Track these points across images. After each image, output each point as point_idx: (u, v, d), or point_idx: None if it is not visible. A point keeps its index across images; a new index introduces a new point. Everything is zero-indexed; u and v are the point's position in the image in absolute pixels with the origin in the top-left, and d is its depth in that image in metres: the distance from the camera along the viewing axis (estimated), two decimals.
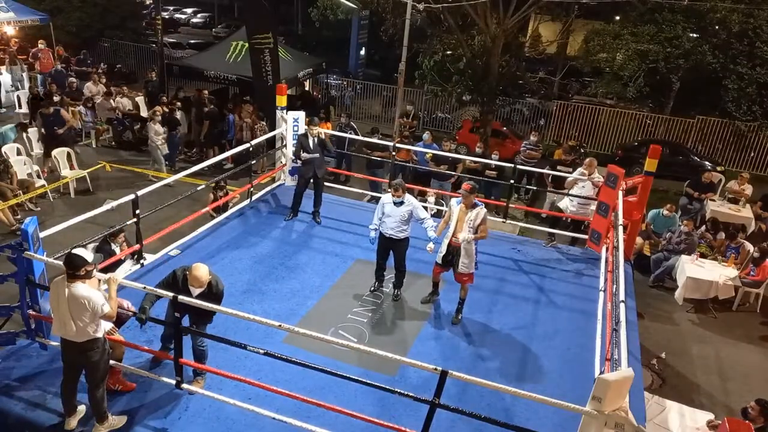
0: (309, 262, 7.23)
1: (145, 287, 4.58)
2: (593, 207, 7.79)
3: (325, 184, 10.08)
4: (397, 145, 9.69)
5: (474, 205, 6.00)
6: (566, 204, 8.26)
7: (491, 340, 6.07)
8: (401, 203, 6.30)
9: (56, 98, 13.37)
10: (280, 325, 4.28)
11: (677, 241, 10.13)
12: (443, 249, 6.21)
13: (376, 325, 6.19)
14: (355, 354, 5.33)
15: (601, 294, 6.67)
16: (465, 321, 6.33)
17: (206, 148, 13.55)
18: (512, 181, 8.63)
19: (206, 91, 14.50)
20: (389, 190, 6.41)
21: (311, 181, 8.10)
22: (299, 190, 8.15)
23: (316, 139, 7.87)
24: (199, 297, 4.64)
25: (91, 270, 4.31)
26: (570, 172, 9.14)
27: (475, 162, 11.09)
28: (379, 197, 10.65)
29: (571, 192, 8.20)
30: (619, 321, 4.79)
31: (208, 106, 13.60)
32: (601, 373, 4.95)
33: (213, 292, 4.74)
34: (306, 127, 7.94)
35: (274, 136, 9.24)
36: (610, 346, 4.87)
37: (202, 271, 4.67)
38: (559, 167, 10.61)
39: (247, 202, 8.53)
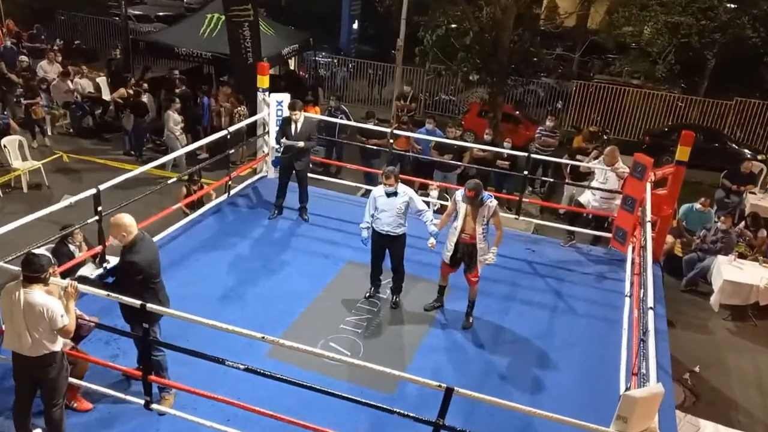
0: (295, 265, 7.22)
1: (108, 294, 4.57)
2: (618, 201, 7.81)
3: (315, 176, 10.07)
4: (395, 131, 9.68)
5: (482, 200, 6.02)
6: (588, 198, 8.29)
7: (502, 353, 6.09)
8: (395, 194, 6.31)
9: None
10: (263, 337, 4.29)
11: (713, 240, 10.16)
12: (450, 247, 6.24)
13: (371, 336, 6.19)
14: (348, 369, 5.34)
15: (627, 300, 6.69)
16: (473, 331, 6.34)
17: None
18: (526, 173, 8.64)
19: (177, 71, 14.47)
20: (381, 179, 6.40)
21: (293, 173, 8.09)
22: (281, 184, 8.16)
23: (298, 126, 7.85)
24: (120, 261, 4.67)
25: (49, 275, 4.31)
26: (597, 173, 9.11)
27: (484, 151, 11.10)
28: None
29: (592, 185, 8.22)
30: (647, 330, 4.81)
31: (179, 87, 13.58)
32: (627, 389, 4.97)
33: (125, 259, 4.70)
34: (290, 112, 7.90)
35: (255, 122, 9.22)
36: (637, 359, 4.89)
37: (120, 218, 4.69)
38: (578, 156, 10.63)
39: (224, 197, 8.52)
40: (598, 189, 8.11)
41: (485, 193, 6.09)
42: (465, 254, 6.22)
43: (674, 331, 8.49)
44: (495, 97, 14.92)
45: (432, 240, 6.29)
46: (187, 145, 12.55)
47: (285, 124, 7.94)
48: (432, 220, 6.36)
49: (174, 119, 12.33)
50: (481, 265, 6.24)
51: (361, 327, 6.30)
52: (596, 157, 9.53)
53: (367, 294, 6.78)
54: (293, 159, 7.91)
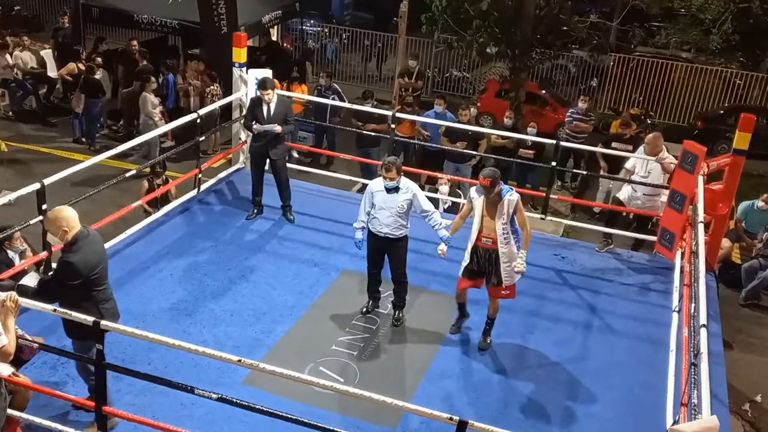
0: (278, 275, 7.21)
1: (56, 309, 4.57)
2: (663, 198, 7.81)
3: (302, 168, 10.06)
4: (398, 114, 9.68)
5: (500, 194, 6.00)
6: (627, 194, 8.29)
7: (525, 379, 6.07)
8: (396, 189, 6.29)
9: None
10: (239, 360, 4.28)
11: None
12: (467, 257, 6.20)
13: (369, 359, 6.19)
14: (341, 399, 5.33)
15: (675, 316, 6.69)
16: (491, 353, 6.34)
17: (137, 119, 13.52)
18: (554, 164, 8.63)
19: (137, 43, 14.46)
20: (380, 171, 6.39)
21: (269, 164, 8.09)
22: (255, 177, 8.18)
23: (271, 107, 7.84)
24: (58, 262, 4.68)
25: None
26: (631, 151, 9.14)
27: (504, 138, 11.10)
28: None
29: (632, 179, 8.21)
30: (699, 352, 4.80)
31: (140, 62, 13.58)
32: (675, 422, 4.96)
33: (61, 259, 4.71)
34: (259, 90, 7.88)
35: (230, 104, 9.22)
36: (687, 387, 4.88)
37: (58, 211, 4.72)
38: (615, 144, 10.62)
39: (193, 193, 8.52)
40: (641, 183, 8.10)
41: (504, 186, 6.05)
42: (486, 262, 6.15)
43: (731, 353, 8.48)
44: (517, 74, 14.92)
45: (443, 246, 6.26)
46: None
47: (254, 105, 7.93)
48: (441, 223, 6.34)
49: (152, 102, 12.32)
50: (512, 275, 6.14)
51: (357, 348, 6.28)
52: (632, 145, 9.52)
53: (364, 309, 6.78)
54: (267, 146, 7.91)
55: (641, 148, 8.35)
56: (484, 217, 6.07)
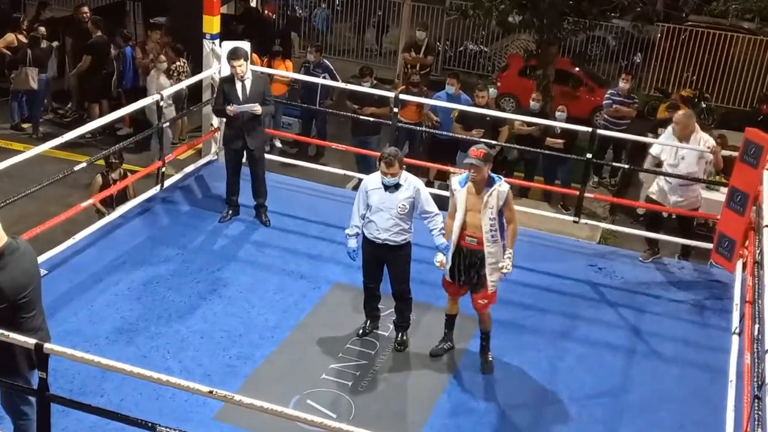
0: (257, 289, 7.21)
1: None
2: (700, 191, 7.70)
3: (286, 160, 10.06)
4: (402, 96, 9.68)
5: (490, 182, 6.00)
6: (656, 189, 8.17)
7: (555, 415, 6.06)
8: (397, 186, 6.28)
9: None
10: (210, 392, 4.27)
11: None
12: (449, 257, 6.21)
13: (366, 390, 6.18)
14: None
15: (735, 339, 6.67)
16: (514, 382, 6.34)
17: (89, 101, 13.52)
18: (590, 156, 8.64)
19: (88, 9, 14.47)
20: (379, 165, 6.38)
21: (244, 156, 8.10)
22: (231, 171, 8.19)
23: (247, 85, 7.85)
24: None
25: None
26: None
27: (530, 125, 11.11)
28: None
29: (663, 169, 8.12)
30: (765, 384, 4.81)
31: (93, 33, 13.59)
32: None
33: None
34: (229, 62, 7.86)
35: (200, 83, 9.23)
36: (750, 424, 4.88)
37: None
38: (660, 131, 10.62)
39: (156, 189, 8.53)
40: (672, 176, 8.00)
41: (492, 174, 6.05)
42: (469, 265, 6.15)
43: None
44: (545, 48, 14.92)
45: (440, 257, 6.27)
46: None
47: (226, 84, 7.92)
48: (440, 228, 6.35)
49: (159, 83, 12.33)
50: (494, 280, 6.15)
51: (352, 378, 6.28)
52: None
53: (361, 331, 6.77)
54: (244, 134, 7.91)
55: (669, 131, 8.22)
56: (468, 212, 6.07)
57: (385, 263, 6.56)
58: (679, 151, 8.00)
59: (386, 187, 6.28)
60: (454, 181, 6.22)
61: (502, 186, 6.02)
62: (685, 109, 10.43)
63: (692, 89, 15.58)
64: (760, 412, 4.68)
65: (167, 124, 8.59)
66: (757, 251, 6.57)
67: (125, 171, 9.54)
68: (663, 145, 8.20)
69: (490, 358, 6.43)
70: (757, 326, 5.57)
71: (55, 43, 14.07)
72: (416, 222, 6.49)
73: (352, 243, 6.49)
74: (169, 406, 5.58)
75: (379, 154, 6.82)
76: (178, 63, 13.15)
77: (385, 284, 6.69)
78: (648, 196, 8.56)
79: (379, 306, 6.82)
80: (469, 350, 6.64)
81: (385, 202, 6.29)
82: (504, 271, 6.14)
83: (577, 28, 15.73)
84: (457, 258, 6.18)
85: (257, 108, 7.76)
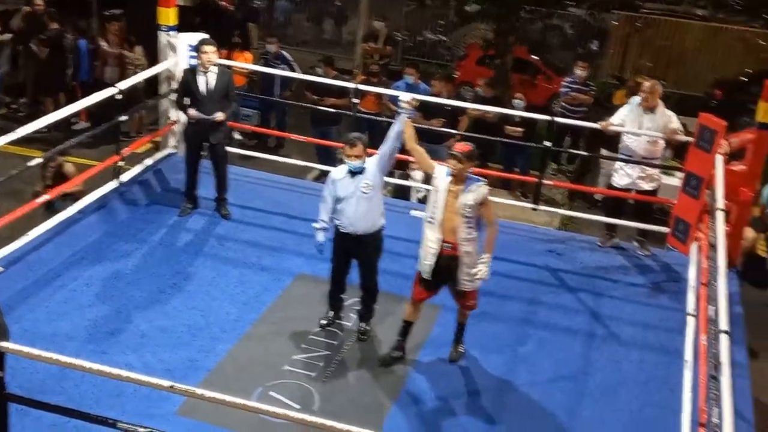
0: (219, 283, 7.18)
1: None
2: (663, 178, 7.76)
3: (245, 152, 10.00)
4: (362, 87, 9.67)
5: (469, 182, 5.95)
6: (618, 166, 8.23)
7: (516, 400, 6.11)
8: (361, 171, 6.22)
9: None
10: (171, 386, 4.24)
11: None
12: (427, 256, 6.04)
13: (330, 381, 6.19)
14: (297, 429, 5.31)
15: (691, 321, 6.76)
16: (476, 370, 6.37)
17: (42, 95, 13.30)
18: (548, 143, 8.68)
19: (42, 1, 14.20)
20: (342, 152, 6.34)
21: (207, 149, 8.04)
22: (190, 165, 8.13)
23: (210, 80, 7.79)
24: None
25: None
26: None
27: (489, 112, 11.15)
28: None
29: (623, 140, 8.14)
30: (720, 364, 4.87)
31: (48, 25, 13.37)
32: None
33: None
34: (198, 53, 7.80)
35: (157, 75, 9.13)
36: (706, 405, 4.95)
37: None
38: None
39: (113, 184, 8.44)
40: (624, 161, 8.03)
41: (471, 175, 5.98)
42: (445, 270, 6.05)
43: (758, 363, 8.60)
44: (503, 37, 14.99)
45: (405, 97, 6.20)
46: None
47: (189, 78, 7.86)
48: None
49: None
50: (473, 282, 6.08)
51: (316, 369, 6.27)
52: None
53: (325, 321, 6.76)
54: (206, 129, 7.87)
55: (632, 102, 8.20)
56: (447, 212, 5.94)
57: (354, 255, 6.52)
58: (644, 123, 8.01)
59: (352, 174, 6.21)
60: (439, 168, 6.07)
61: (482, 187, 5.94)
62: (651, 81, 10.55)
63: (647, 76, 15.70)
64: (716, 392, 4.74)
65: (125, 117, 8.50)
66: (711, 234, 6.66)
67: (80, 166, 9.38)
68: (626, 116, 8.15)
69: (461, 350, 6.43)
70: (712, 307, 5.65)
71: (7, 36, 13.86)
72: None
73: (320, 237, 6.43)
74: (130, 403, 5.54)
75: (339, 145, 6.80)
76: (132, 54, 13.00)
77: (352, 275, 6.69)
78: (611, 184, 8.56)
79: (344, 297, 6.82)
80: (431, 338, 6.66)
81: (350, 189, 6.22)
82: (478, 277, 6.03)
83: (534, 17, 15.87)
84: (438, 261, 6.03)
85: (219, 116, 7.75)
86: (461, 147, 5.93)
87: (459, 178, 5.92)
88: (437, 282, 6.17)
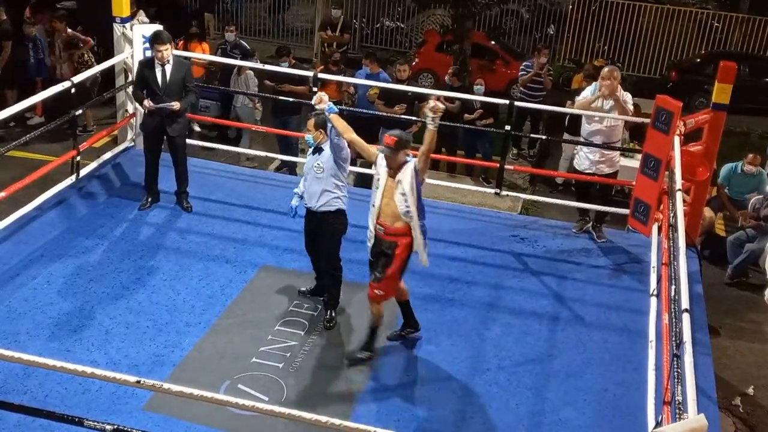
0: (182, 277, 7.16)
1: None
2: (622, 161, 7.81)
3: (205, 144, 9.93)
4: (321, 75, 9.63)
5: (403, 165, 5.99)
6: (588, 162, 8.32)
7: (484, 384, 6.17)
8: (319, 151, 6.38)
9: None
10: (138, 382, 4.21)
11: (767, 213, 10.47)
12: (371, 236, 6.18)
13: (297, 370, 6.19)
14: (266, 421, 5.31)
15: (653, 301, 6.87)
16: (442, 357, 6.41)
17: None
18: (508, 128, 8.74)
19: None
20: (307, 130, 6.46)
21: (166, 142, 7.99)
22: (149, 158, 8.08)
23: (167, 72, 7.73)
24: None
25: None
26: (598, 110, 9.24)
27: (449, 99, 11.17)
28: (295, 162, 10.61)
29: (584, 123, 8.22)
30: (682, 342, 4.94)
31: (1, 20, 13.14)
32: (658, 424, 5.10)
33: None
34: (152, 47, 7.74)
35: (113, 68, 9.04)
36: (670, 383, 5.02)
37: None
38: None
39: (71, 180, 8.34)
40: (586, 144, 8.10)
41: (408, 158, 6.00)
42: (377, 254, 6.13)
43: (719, 340, 8.77)
44: (461, 23, 15.01)
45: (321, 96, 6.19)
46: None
47: (144, 70, 7.81)
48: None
49: (254, 81, 11.93)
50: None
51: (283, 360, 6.27)
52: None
53: (304, 289, 6.96)
54: (163, 121, 7.82)
55: (591, 87, 8.28)
56: (383, 198, 6.03)
57: (315, 234, 6.63)
58: (604, 106, 8.06)
59: (314, 152, 6.41)
60: (381, 156, 6.13)
61: (409, 165, 5.98)
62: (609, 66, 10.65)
63: (604, 59, 15.85)
64: (679, 370, 4.82)
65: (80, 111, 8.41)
66: (671, 215, 6.74)
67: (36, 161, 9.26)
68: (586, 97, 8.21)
69: (366, 356, 6.31)
70: (673, 287, 5.72)
71: None
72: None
73: (295, 201, 6.65)
74: (96, 400, 5.50)
75: (300, 135, 6.82)
76: (84, 48, 12.84)
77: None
78: (576, 167, 8.59)
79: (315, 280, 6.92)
80: (398, 326, 6.67)
81: (310, 164, 6.47)
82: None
83: (491, 2, 15.89)
84: (376, 243, 6.16)
85: (174, 105, 7.69)
86: (388, 140, 5.98)
87: (395, 169, 6.02)
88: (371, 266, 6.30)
